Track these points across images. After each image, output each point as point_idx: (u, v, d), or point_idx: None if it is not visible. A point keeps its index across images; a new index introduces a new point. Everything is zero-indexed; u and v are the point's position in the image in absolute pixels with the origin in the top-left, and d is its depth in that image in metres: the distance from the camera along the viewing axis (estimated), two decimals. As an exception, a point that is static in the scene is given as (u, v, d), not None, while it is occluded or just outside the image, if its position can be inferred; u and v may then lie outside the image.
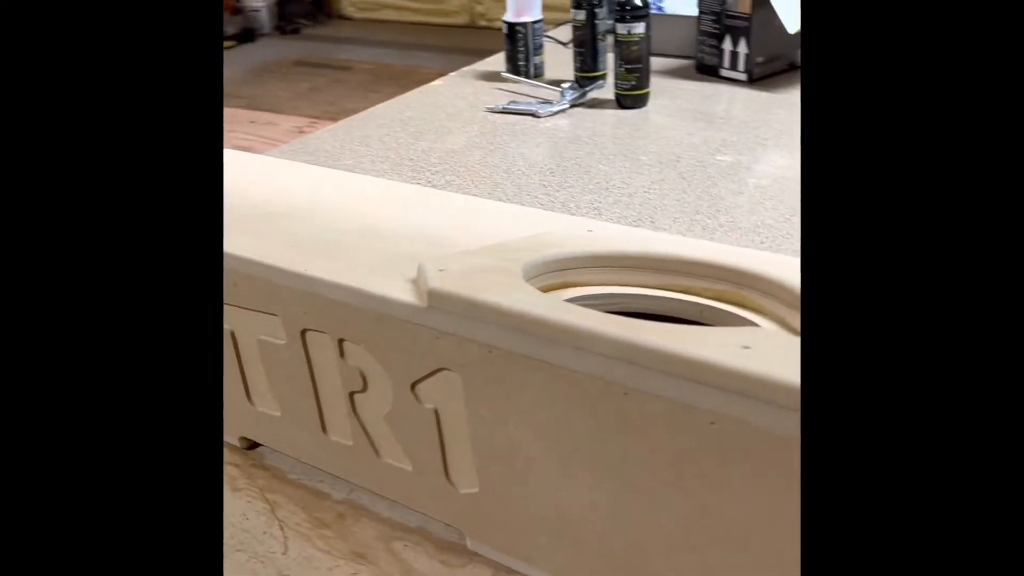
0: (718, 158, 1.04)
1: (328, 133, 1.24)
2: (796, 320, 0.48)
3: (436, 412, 0.46)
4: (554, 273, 0.49)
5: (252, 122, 3.09)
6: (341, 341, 0.48)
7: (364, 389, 0.49)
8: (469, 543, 0.50)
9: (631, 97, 1.22)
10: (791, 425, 0.34)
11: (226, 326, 0.53)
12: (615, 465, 0.41)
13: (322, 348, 0.49)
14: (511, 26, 1.36)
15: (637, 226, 0.87)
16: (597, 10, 1.25)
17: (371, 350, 0.47)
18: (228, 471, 0.58)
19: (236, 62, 4.07)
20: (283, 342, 0.51)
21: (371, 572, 0.49)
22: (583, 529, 0.44)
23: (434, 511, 0.51)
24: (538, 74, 1.38)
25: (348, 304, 0.46)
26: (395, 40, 4.24)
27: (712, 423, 0.36)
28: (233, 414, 0.58)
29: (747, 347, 0.37)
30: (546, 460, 0.43)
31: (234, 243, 0.51)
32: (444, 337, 0.43)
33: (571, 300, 0.48)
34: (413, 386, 0.46)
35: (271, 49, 4.34)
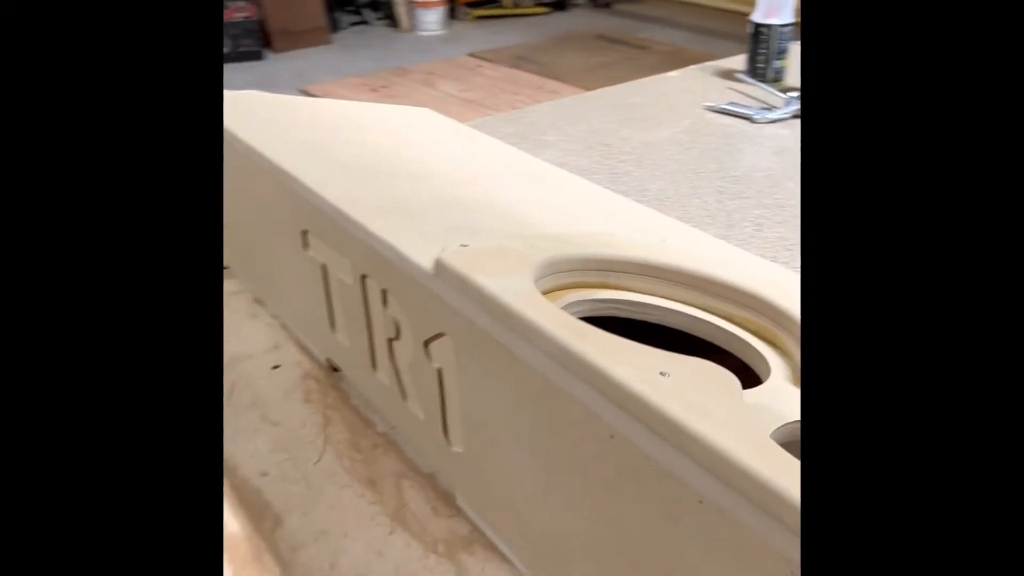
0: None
1: (551, 107, 1.29)
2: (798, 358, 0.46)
3: (440, 371, 0.51)
4: (572, 272, 0.51)
5: (538, 88, 3.24)
6: (384, 291, 0.54)
7: (398, 337, 0.55)
8: (458, 498, 0.54)
9: (859, 117, 1.15)
10: (672, 459, 0.35)
11: (320, 260, 0.61)
12: (547, 458, 0.43)
13: (374, 294, 0.56)
14: (756, 26, 1.33)
15: (778, 254, 0.84)
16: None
17: (400, 304, 0.52)
18: (308, 384, 0.66)
19: (543, 28, 4.26)
20: (351, 282, 0.58)
21: (373, 498, 0.55)
22: (527, 510, 0.47)
23: (432, 461, 0.56)
24: (777, 79, 1.33)
25: (388, 260, 0.51)
26: (699, 25, 4.19)
27: (611, 436, 0.37)
28: (323, 338, 0.66)
29: (664, 374, 0.37)
30: (505, 440, 0.46)
31: (334, 188, 0.59)
32: (444, 305, 0.47)
33: (584, 301, 0.50)
34: (426, 344, 0.51)
35: (579, 20, 4.48)
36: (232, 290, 0.80)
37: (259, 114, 0.78)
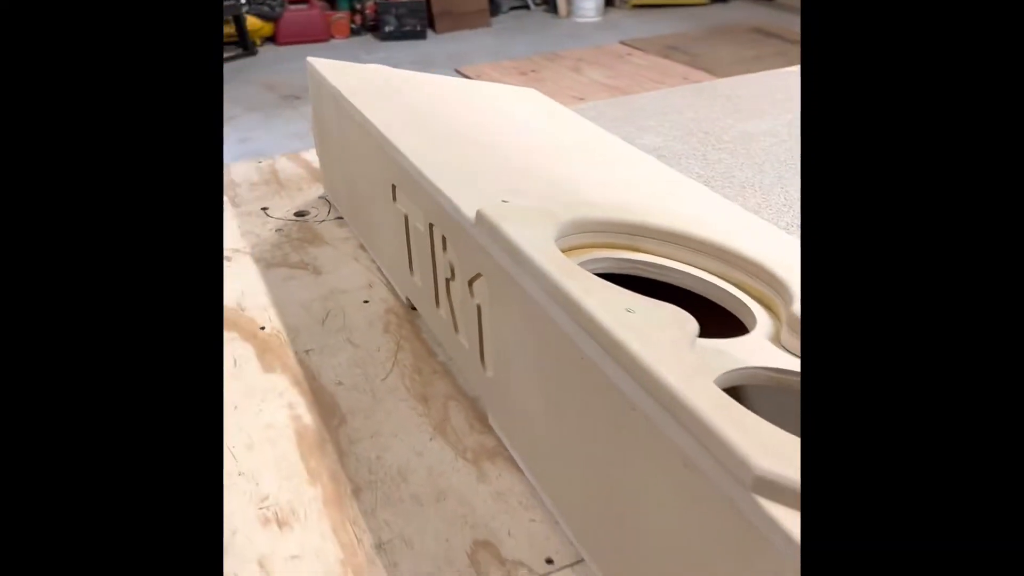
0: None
1: (662, 94, 1.36)
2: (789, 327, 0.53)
3: (479, 307, 0.60)
4: (600, 234, 0.59)
5: (683, 78, 3.26)
6: (444, 238, 0.64)
7: (453, 278, 0.65)
8: (489, 418, 0.64)
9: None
10: (618, 375, 0.43)
11: (403, 211, 0.72)
12: (543, 380, 0.52)
13: (437, 240, 0.66)
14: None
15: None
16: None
17: (454, 248, 0.62)
18: (388, 317, 0.78)
19: (700, 19, 4.24)
20: (422, 230, 0.68)
21: (423, 412, 0.66)
22: (533, 426, 0.55)
23: (473, 385, 0.66)
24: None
25: (446, 210, 0.61)
26: (865, 21, 4.03)
27: (582, 358, 0.46)
28: (403, 279, 0.77)
29: (630, 310, 0.45)
30: (518, 366, 0.55)
31: (417, 150, 0.69)
32: (481, 250, 0.57)
33: (608, 259, 0.58)
34: (469, 283, 0.61)
35: (739, 12, 4.42)
36: (342, 236, 0.92)
37: (377, 86, 0.89)
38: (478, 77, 3.27)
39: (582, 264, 0.57)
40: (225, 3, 3.77)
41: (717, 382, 0.45)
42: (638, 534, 0.45)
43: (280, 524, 0.56)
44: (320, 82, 0.92)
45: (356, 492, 0.58)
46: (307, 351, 0.74)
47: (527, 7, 4.65)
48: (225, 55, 3.92)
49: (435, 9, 4.31)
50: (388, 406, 0.67)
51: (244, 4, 3.97)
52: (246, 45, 3.99)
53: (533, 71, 3.53)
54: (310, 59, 0.96)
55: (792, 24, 4.10)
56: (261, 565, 0.53)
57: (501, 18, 4.51)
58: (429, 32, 4.25)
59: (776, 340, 0.52)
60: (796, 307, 0.51)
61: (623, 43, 3.88)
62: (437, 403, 0.67)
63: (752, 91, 1.34)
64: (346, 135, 0.85)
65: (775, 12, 4.39)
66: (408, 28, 4.12)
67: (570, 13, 4.44)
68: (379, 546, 0.54)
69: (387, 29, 4.18)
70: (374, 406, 0.67)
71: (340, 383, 0.69)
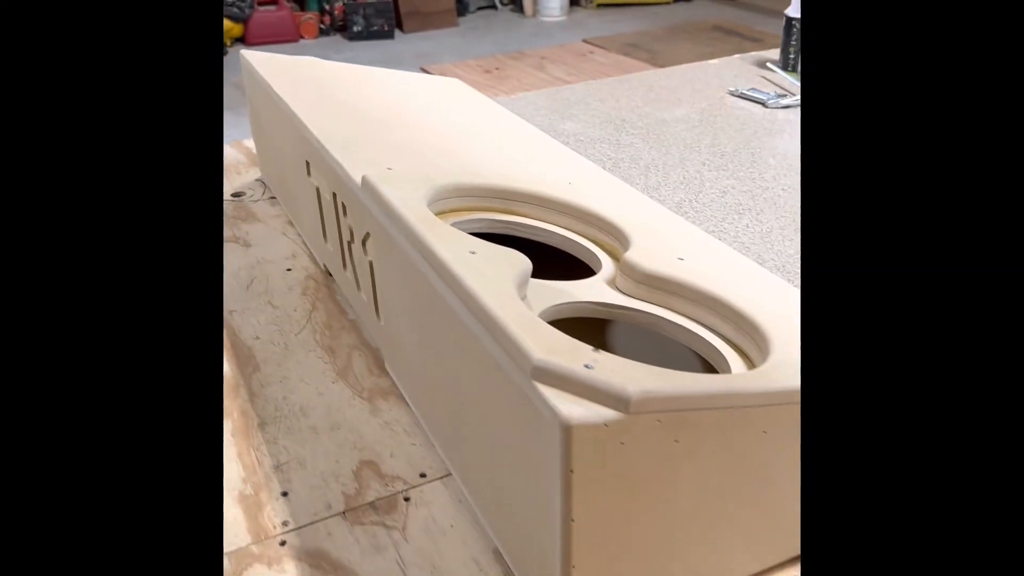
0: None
1: (589, 85, 1.44)
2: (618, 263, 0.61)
3: (371, 263, 0.69)
4: (478, 199, 0.67)
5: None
6: (343, 204, 0.72)
7: (353, 240, 0.73)
8: (386, 363, 0.72)
9: (863, 105, 1.24)
10: (457, 304, 0.51)
11: (315, 183, 0.80)
12: (413, 319, 0.60)
13: (340, 207, 0.74)
14: (788, 19, 1.42)
15: (731, 216, 0.97)
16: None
17: (351, 212, 0.71)
18: (307, 283, 0.86)
19: (662, 18, 4.35)
20: (328, 199, 0.76)
21: (328, 360, 0.74)
22: (413, 363, 0.64)
23: (370, 335, 0.74)
24: (807, 69, 1.42)
25: (342, 179, 0.70)
26: (821, 19, 4.14)
27: (438, 294, 0.54)
28: (320, 247, 0.85)
29: (473, 252, 0.54)
30: (399, 311, 0.64)
31: (325, 129, 0.77)
32: (367, 211, 0.65)
33: (483, 220, 0.66)
34: (363, 243, 0.69)
35: (701, 10, 4.53)
36: (273, 214, 1.01)
37: (304, 76, 0.98)
38: (442, 75, 3.35)
39: (459, 224, 0.66)
40: (195, 5, 3.83)
41: (548, 311, 0.54)
42: (475, 438, 0.53)
43: (193, 451, 0.64)
44: (252, 73, 1.00)
45: (262, 425, 0.67)
46: (231, 312, 0.82)
47: (494, 7, 4.74)
48: (196, 56, 3.97)
49: (403, 9, 4.38)
50: (299, 356, 0.75)
51: (214, 6, 4.02)
52: (216, 46, 4.03)
53: (497, 68, 3.61)
54: (243, 52, 1.04)
55: (752, 22, 4.21)
56: (173, 484, 0.61)
57: (469, 18, 4.59)
58: (397, 32, 4.33)
59: (611, 282, 0.60)
60: (628, 254, 0.60)
61: (586, 41, 3.98)
62: (342, 353, 0.75)
63: (673, 82, 1.44)
64: (273, 120, 0.93)
65: (736, 10, 4.49)
66: (376, 28, 4.19)
67: (536, 13, 4.53)
68: (277, 467, 0.62)
69: (355, 29, 4.25)
70: (286, 356, 0.75)
71: (258, 338, 0.78)
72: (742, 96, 1.34)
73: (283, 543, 0.56)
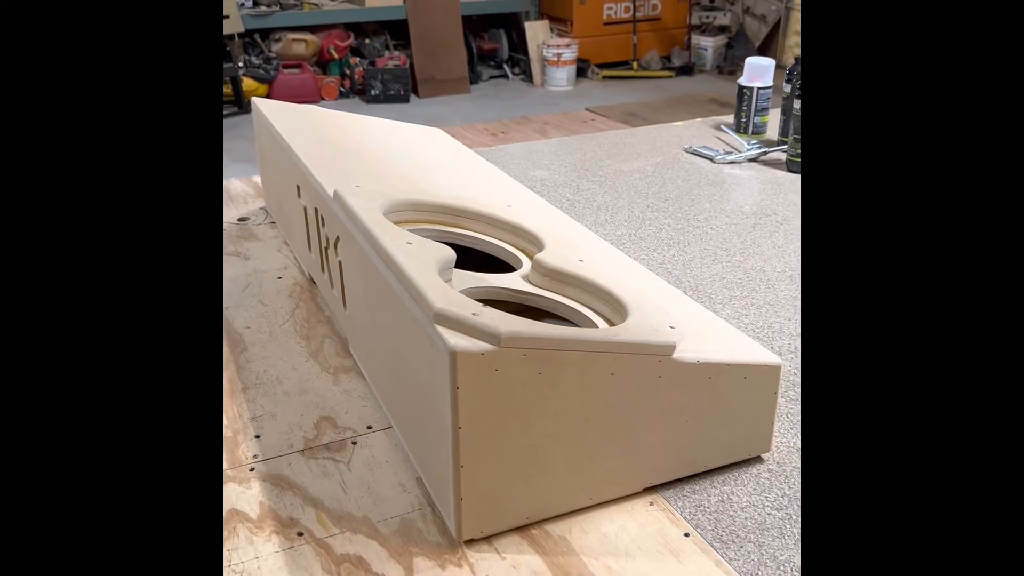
0: (757, 229, 1.22)
1: (561, 141, 1.62)
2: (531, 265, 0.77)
3: (340, 263, 0.85)
4: (429, 213, 0.83)
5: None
6: (322, 216, 0.89)
7: (328, 246, 0.89)
8: (350, 346, 0.88)
9: (797, 163, 1.41)
10: (396, 285, 0.67)
11: (303, 203, 0.97)
12: (368, 304, 0.76)
13: (319, 219, 0.91)
14: (741, 88, 1.60)
15: (661, 248, 1.13)
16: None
17: (327, 221, 0.87)
18: (294, 288, 1.02)
19: (663, 90, 4.58)
20: (311, 214, 0.93)
21: (304, 345, 0.90)
22: (367, 339, 0.79)
23: (340, 326, 0.90)
24: (757, 132, 1.60)
25: (320, 195, 0.86)
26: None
27: (385, 280, 0.70)
28: (305, 258, 1.02)
29: (409, 243, 0.70)
30: (359, 299, 0.79)
31: (311, 158, 0.94)
32: (337, 218, 0.82)
33: (432, 231, 0.83)
34: (335, 245, 0.85)
35: (700, 84, 4.77)
36: (272, 235, 1.18)
37: (304, 120, 1.16)
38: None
39: (411, 231, 0.82)
40: (224, 65, 4.10)
41: (468, 291, 0.70)
42: (402, 385, 0.69)
43: (187, 405, 0.79)
44: (260, 116, 1.18)
45: (244, 389, 0.82)
46: (228, 307, 0.98)
47: (505, 76, 4.99)
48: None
49: (419, 76, 4.64)
50: (280, 341, 0.91)
51: (241, 67, 4.29)
52: (241, 104, 4.30)
53: (503, 132, 3.83)
54: (255, 99, 1.22)
55: (747, 96, 4.43)
56: (170, 428, 0.76)
57: (481, 86, 4.84)
58: (412, 97, 4.57)
59: (526, 277, 0.76)
60: (539, 255, 0.76)
61: (588, 109, 4.20)
62: (316, 340, 0.91)
63: (637, 139, 1.61)
64: (274, 153, 1.11)
65: (733, 85, 4.72)
66: (392, 92, 4.44)
67: (544, 83, 4.77)
68: (253, 418, 0.78)
69: (373, 92, 4.49)
70: (270, 341, 0.91)
71: (248, 327, 0.94)
72: (694, 152, 1.51)
73: (252, 469, 0.71)
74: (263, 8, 4.33)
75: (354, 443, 0.74)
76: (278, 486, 0.69)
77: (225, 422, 0.77)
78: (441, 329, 0.58)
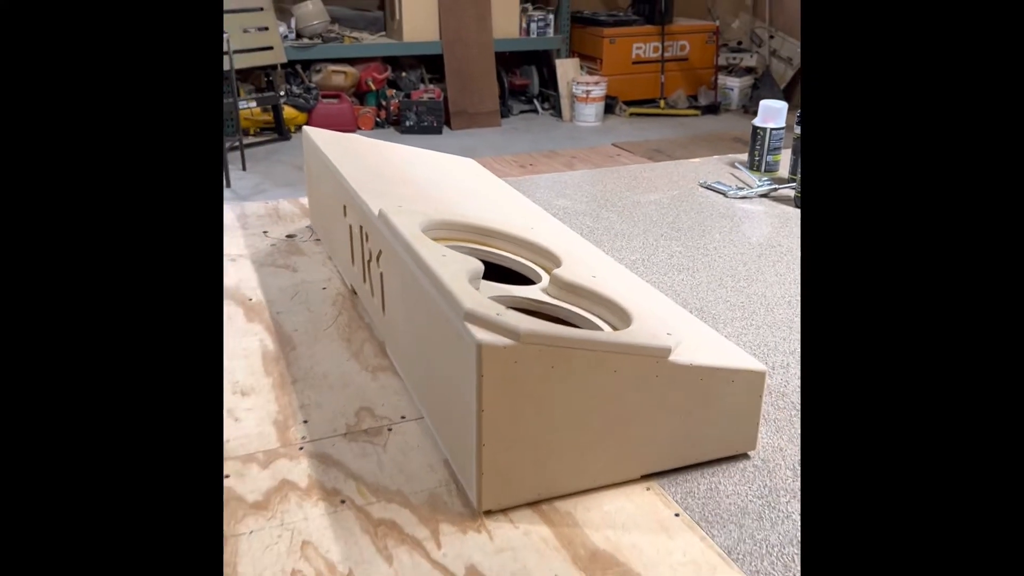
0: (762, 267, 1.32)
1: (586, 173, 1.74)
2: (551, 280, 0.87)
3: (381, 274, 0.96)
4: (461, 231, 0.94)
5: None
6: (366, 233, 1.00)
7: (371, 259, 1.00)
8: (387, 348, 0.98)
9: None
10: (435, 293, 0.78)
11: (349, 222, 1.09)
12: (406, 310, 0.87)
13: (364, 235, 1.02)
14: (755, 128, 1.71)
15: (670, 273, 1.23)
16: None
17: (370, 236, 0.98)
18: (337, 297, 1.13)
19: (688, 128, 4.71)
20: (356, 231, 1.04)
21: (345, 347, 1.00)
22: (402, 340, 0.90)
23: (378, 331, 1.01)
24: (770, 169, 1.70)
25: (365, 214, 0.98)
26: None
27: (424, 289, 0.81)
28: (348, 270, 1.13)
29: (444, 255, 0.81)
30: (396, 303, 0.90)
31: (357, 180, 1.06)
32: (380, 234, 0.93)
33: (463, 247, 0.93)
34: (377, 258, 0.97)
35: (724, 123, 4.88)
36: (317, 251, 1.29)
37: (350, 147, 1.28)
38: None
39: (446, 247, 0.93)
40: (265, 94, 4.29)
41: (494, 298, 0.81)
42: (433, 378, 0.79)
43: (243, 394, 0.90)
44: (310, 143, 1.30)
45: (294, 382, 0.93)
46: (278, 313, 1.09)
47: (536, 111, 5.13)
48: (263, 140, 4.41)
49: (452, 109, 4.79)
50: (325, 343, 1.02)
51: (283, 96, 4.47)
52: (281, 131, 4.48)
53: (531, 164, 3.96)
54: (305, 128, 1.35)
55: (771, 136, 4.53)
56: (229, 413, 0.87)
57: (511, 119, 4.98)
58: (445, 129, 4.73)
59: (544, 290, 0.87)
60: (556, 271, 0.86)
61: (615, 145, 4.33)
62: (357, 342, 1.02)
63: (655, 174, 1.72)
64: (323, 177, 1.23)
65: (759, 125, 4.83)
66: (426, 124, 4.59)
67: (573, 118, 4.91)
68: (302, 406, 0.88)
69: (407, 123, 4.64)
70: (315, 342, 1.02)
71: (296, 330, 1.05)
72: (709, 187, 1.62)
73: (301, 448, 0.82)
74: (305, 40, 4.52)
75: (389, 430, 0.85)
76: (324, 463, 0.80)
77: (277, 408, 0.88)
78: (469, 326, 0.68)
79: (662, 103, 5.16)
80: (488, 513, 0.73)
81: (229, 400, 0.89)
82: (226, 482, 0.76)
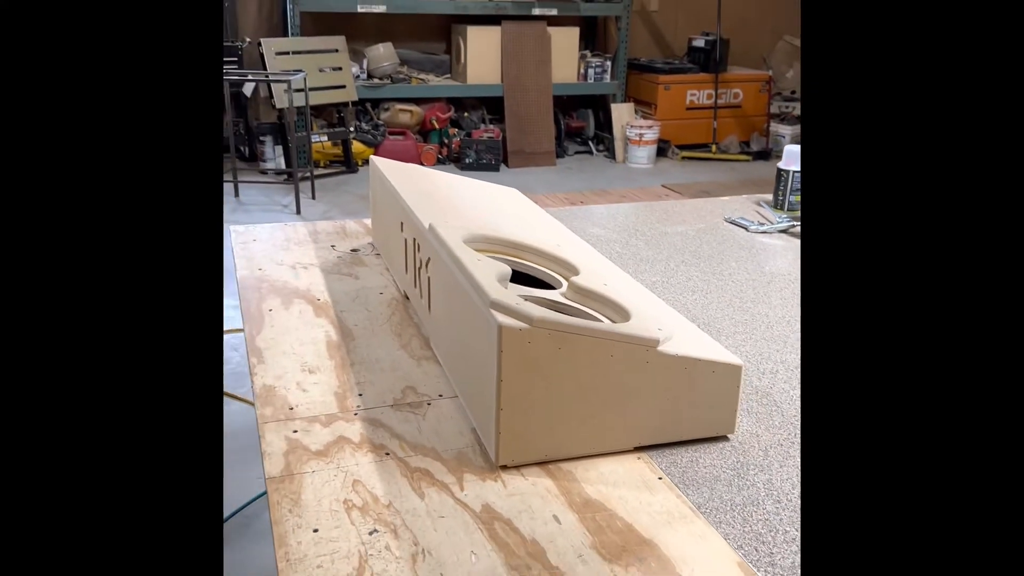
0: (762, 305, 1.46)
1: (618, 207, 1.91)
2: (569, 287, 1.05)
3: (429, 278, 1.14)
4: (496, 245, 1.12)
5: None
6: (418, 244, 1.19)
7: (421, 267, 1.19)
8: (431, 342, 1.16)
9: (818, 235, 1.65)
10: (472, 294, 0.95)
11: (404, 236, 1.27)
12: (448, 308, 1.05)
13: (416, 246, 1.20)
14: (779, 170, 1.86)
15: (685, 294, 1.39)
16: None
17: (422, 246, 1.17)
18: (391, 301, 1.32)
19: (737, 172, 4.85)
20: (410, 243, 1.23)
21: (397, 341, 1.18)
22: (444, 334, 1.08)
23: (425, 329, 1.19)
24: (792, 208, 1.85)
25: (419, 229, 1.16)
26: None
27: (463, 289, 0.98)
28: (402, 278, 1.32)
29: (479, 260, 0.98)
30: (440, 303, 1.08)
31: (413, 202, 1.25)
32: (430, 244, 1.11)
33: (499, 258, 1.11)
34: (426, 264, 1.15)
35: (774, 169, 5.01)
36: (376, 263, 1.49)
37: (409, 175, 1.47)
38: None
39: (482, 255, 1.10)
40: (336, 129, 4.58)
41: (520, 298, 0.98)
42: (464, 359, 0.96)
43: (310, 372, 1.09)
44: (376, 170, 1.50)
45: (352, 364, 1.11)
46: (341, 311, 1.28)
47: (590, 152, 5.33)
48: (332, 172, 4.70)
49: (509, 148, 5.02)
50: (380, 336, 1.20)
51: (352, 132, 4.75)
52: (349, 164, 4.75)
53: (582, 202, 4.14)
54: (372, 157, 1.55)
55: (819, 182, 4.64)
56: (298, 385, 1.06)
57: (566, 159, 5.19)
58: (503, 167, 4.95)
59: (563, 294, 1.04)
60: (573, 278, 1.03)
61: (664, 186, 4.49)
62: (406, 337, 1.20)
63: (685, 209, 1.88)
64: (385, 199, 1.42)
65: (809, 172, 4.94)
66: (484, 161, 4.82)
67: (626, 160, 5.09)
68: (358, 383, 1.06)
69: (467, 160, 4.88)
70: (371, 335, 1.20)
71: (356, 325, 1.23)
72: (732, 222, 1.77)
73: (355, 414, 1.00)
74: (376, 80, 4.81)
75: (429, 404, 1.02)
76: (373, 425, 0.97)
77: (337, 384, 1.06)
78: (494, 312, 0.86)
79: (714, 148, 5.33)
80: (504, 468, 0.89)
81: (298, 376, 1.08)
82: (294, 436, 0.95)
